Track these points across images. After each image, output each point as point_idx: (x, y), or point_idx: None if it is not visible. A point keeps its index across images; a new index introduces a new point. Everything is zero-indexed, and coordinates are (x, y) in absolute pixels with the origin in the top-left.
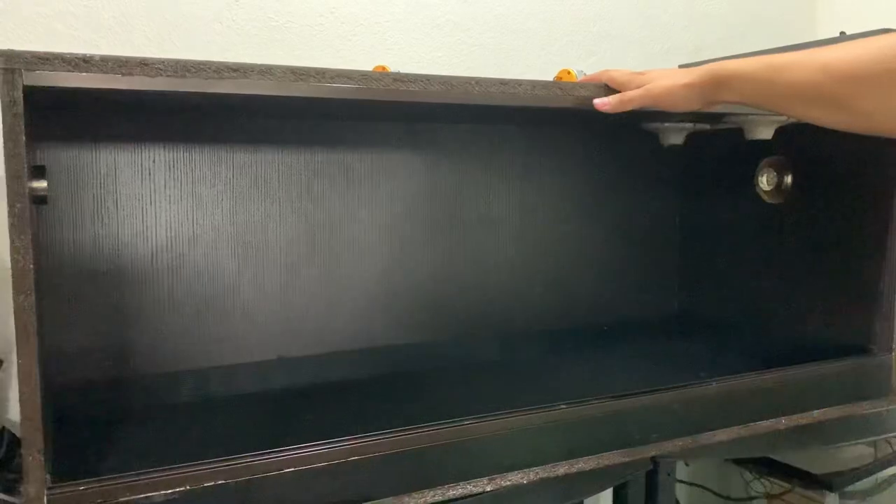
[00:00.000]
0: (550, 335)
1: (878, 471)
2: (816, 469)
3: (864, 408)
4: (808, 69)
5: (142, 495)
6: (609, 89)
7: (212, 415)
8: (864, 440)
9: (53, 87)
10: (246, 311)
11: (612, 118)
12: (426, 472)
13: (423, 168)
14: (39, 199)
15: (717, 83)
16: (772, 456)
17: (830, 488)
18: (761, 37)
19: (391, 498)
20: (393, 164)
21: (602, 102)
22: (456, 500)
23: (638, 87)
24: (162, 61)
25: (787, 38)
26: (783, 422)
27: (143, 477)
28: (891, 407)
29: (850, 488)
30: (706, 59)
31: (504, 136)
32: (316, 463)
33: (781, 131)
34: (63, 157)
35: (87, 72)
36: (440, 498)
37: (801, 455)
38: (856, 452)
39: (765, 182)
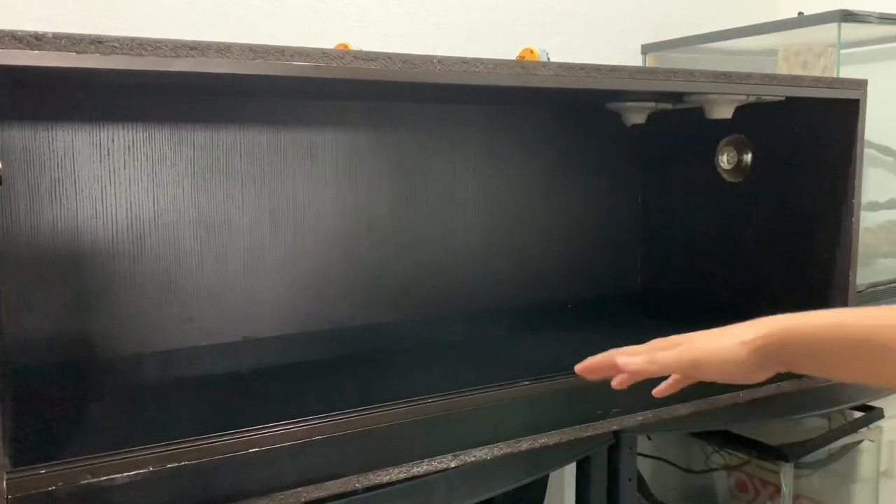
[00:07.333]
0: (514, 314)
1: (832, 441)
2: (773, 441)
3: (820, 381)
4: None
5: (104, 477)
6: None
7: (176, 397)
8: (819, 412)
9: (4, 65)
10: (210, 292)
11: (574, 98)
12: (391, 450)
13: (387, 147)
14: None
15: (784, 343)
16: (731, 429)
17: (786, 459)
18: (724, 17)
19: (356, 476)
20: (357, 142)
21: (627, 361)
22: (421, 476)
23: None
24: (117, 39)
25: (748, 17)
26: (741, 395)
27: (104, 459)
28: None
29: (805, 459)
30: (669, 37)
31: (468, 115)
32: (281, 443)
33: (741, 111)
34: (18, 138)
35: (39, 49)
36: (405, 475)
37: (758, 427)
38: (811, 424)
39: (725, 161)
